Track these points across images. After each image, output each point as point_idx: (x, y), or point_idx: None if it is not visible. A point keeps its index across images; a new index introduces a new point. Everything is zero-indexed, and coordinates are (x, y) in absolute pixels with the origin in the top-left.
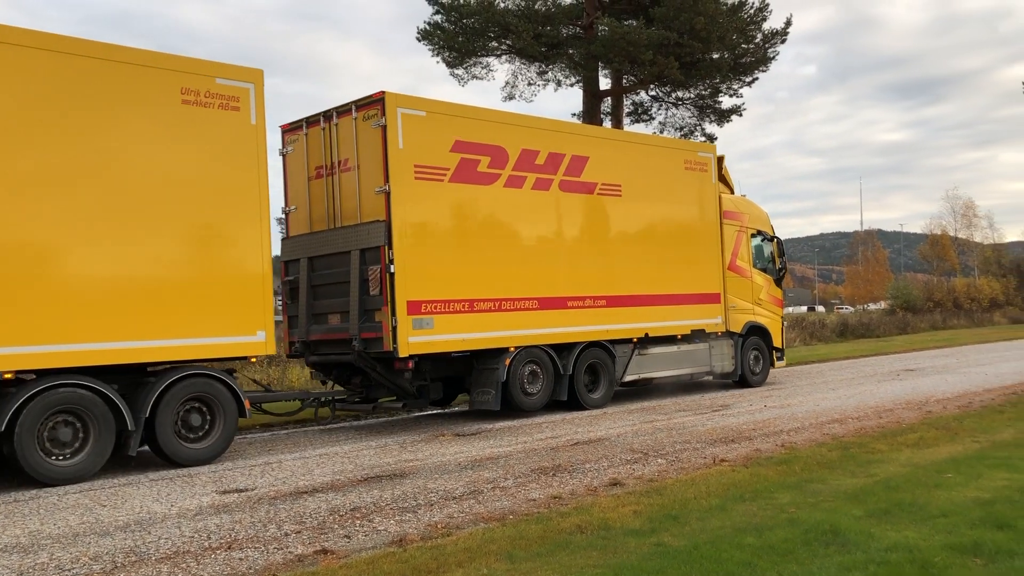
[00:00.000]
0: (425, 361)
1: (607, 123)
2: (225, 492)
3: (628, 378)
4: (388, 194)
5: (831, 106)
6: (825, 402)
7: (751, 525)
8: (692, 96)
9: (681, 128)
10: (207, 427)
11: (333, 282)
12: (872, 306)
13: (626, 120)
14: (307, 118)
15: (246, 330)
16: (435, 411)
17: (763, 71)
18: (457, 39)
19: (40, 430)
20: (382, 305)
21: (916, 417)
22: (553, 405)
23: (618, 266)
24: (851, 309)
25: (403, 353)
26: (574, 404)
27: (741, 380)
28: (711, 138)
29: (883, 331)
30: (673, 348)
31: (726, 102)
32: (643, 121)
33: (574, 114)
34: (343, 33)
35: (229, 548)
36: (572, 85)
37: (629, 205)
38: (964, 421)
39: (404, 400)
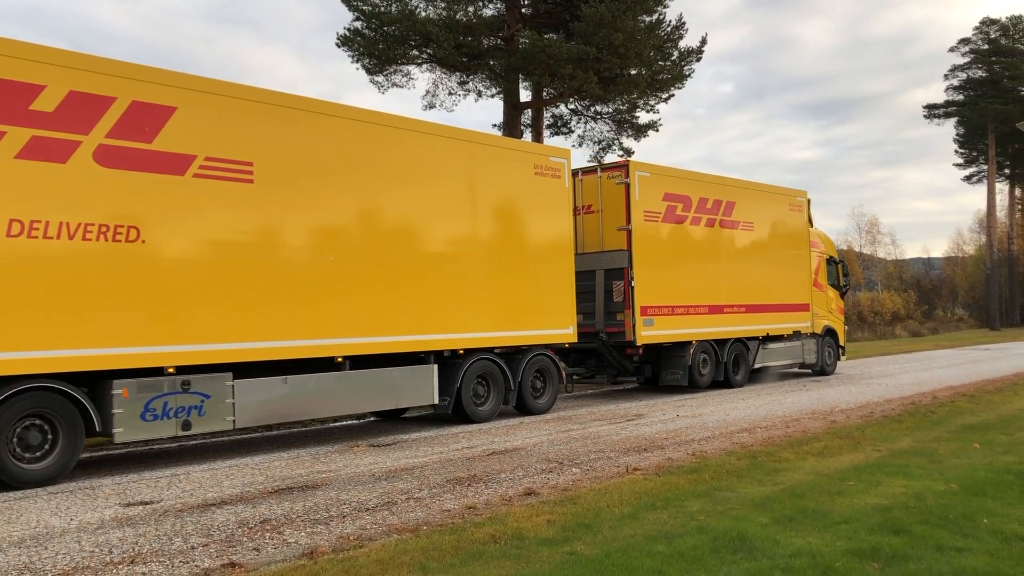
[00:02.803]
0: (645, 349)
1: (527, 135)
2: (129, 505)
3: (756, 365)
4: (629, 232)
5: (747, 124)
6: (735, 412)
7: (662, 533)
8: (610, 111)
9: (599, 142)
10: (543, 388)
11: (578, 292)
12: None
13: (546, 132)
14: None
15: (563, 324)
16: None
17: (679, 88)
18: (377, 46)
19: (470, 384)
20: (624, 309)
21: (821, 427)
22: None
23: (751, 282)
24: None
25: (639, 343)
26: (725, 384)
27: (820, 370)
28: (628, 152)
29: None
30: (782, 344)
31: (643, 117)
32: (562, 134)
33: (495, 125)
34: (263, 37)
35: (132, 563)
36: (493, 96)
37: (757, 237)
38: (866, 430)
39: (624, 377)
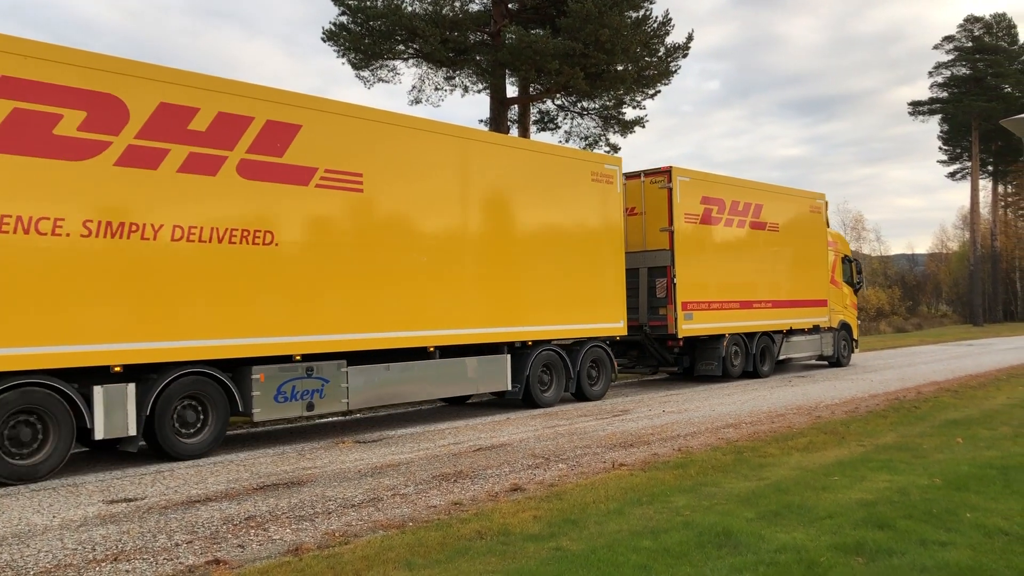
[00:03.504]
0: (683, 341)
1: (514, 131)
2: (112, 502)
3: (780, 357)
4: (672, 232)
5: (733, 121)
6: (721, 407)
7: (647, 528)
8: (597, 107)
9: (586, 138)
10: (598, 377)
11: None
12: None
13: (533, 128)
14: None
15: (615, 319)
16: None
17: (665, 84)
18: (363, 41)
19: (537, 372)
20: (667, 304)
21: (806, 422)
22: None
23: (777, 280)
24: None
25: (680, 335)
26: (753, 375)
27: (836, 362)
28: (615, 148)
29: None
30: (803, 337)
31: (630, 113)
32: (549, 130)
33: (481, 120)
34: (250, 31)
35: (115, 560)
36: (479, 92)
37: (782, 237)
38: (851, 426)
39: (664, 367)
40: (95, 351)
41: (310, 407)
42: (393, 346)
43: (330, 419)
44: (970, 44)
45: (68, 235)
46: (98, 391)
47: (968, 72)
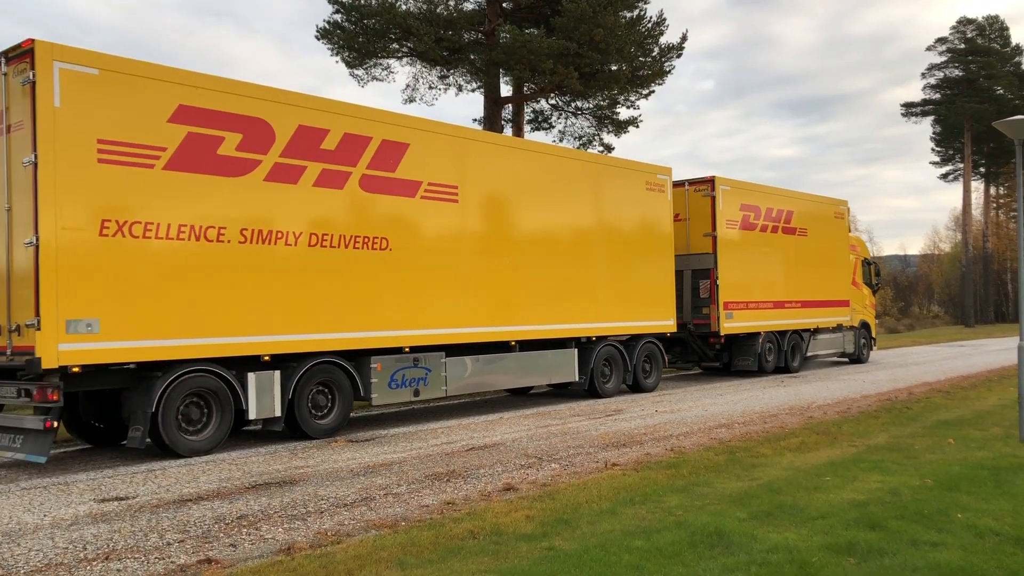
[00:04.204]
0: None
1: (507, 130)
2: (104, 500)
3: (809, 354)
4: (715, 237)
5: (727, 121)
6: (713, 407)
7: (640, 528)
8: (591, 106)
9: (580, 137)
10: (651, 370)
11: None
12: None
13: (527, 128)
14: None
15: (666, 317)
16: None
17: (659, 84)
18: (357, 39)
19: (599, 365)
20: (710, 304)
21: (798, 422)
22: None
23: (805, 281)
24: None
25: (722, 333)
26: (784, 370)
27: (857, 358)
28: (609, 148)
29: None
30: (828, 335)
31: (624, 113)
32: (543, 129)
33: (475, 119)
34: (244, 29)
35: (107, 559)
36: (473, 91)
37: (810, 241)
38: (843, 426)
39: (706, 362)
40: (250, 342)
41: (416, 393)
42: (482, 340)
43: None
44: (963, 46)
45: (228, 241)
46: (251, 377)
47: (961, 74)
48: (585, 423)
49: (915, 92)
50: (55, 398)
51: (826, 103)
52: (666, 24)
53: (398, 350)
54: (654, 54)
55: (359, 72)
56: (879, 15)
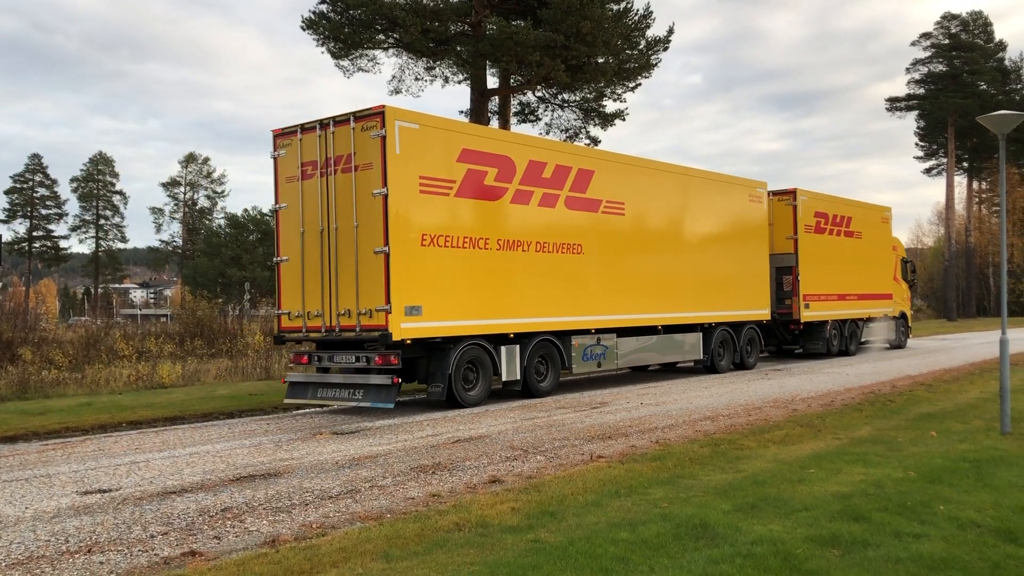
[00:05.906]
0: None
1: (494, 122)
2: (87, 493)
3: (863, 339)
4: (796, 240)
5: (714, 115)
6: (698, 400)
7: (625, 520)
8: (578, 99)
9: (567, 130)
10: (751, 351)
11: None
12: None
13: (513, 120)
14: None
15: (763, 307)
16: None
17: (646, 77)
18: (343, 30)
19: (716, 347)
20: (792, 296)
21: (783, 415)
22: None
23: (861, 278)
24: None
25: (802, 320)
26: (845, 353)
27: (897, 345)
28: (595, 141)
29: None
30: (877, 324)
31: (610, 106)
32: (529, 121)
33: (462, 111)
34: (230, 19)
35: (89, 551)
36: (460, 82)
37: (863, 242)
38: (826, 419)
39: (787, 345)
40: (502, 323)
41: (599, 365)
42: (639, 324)
43: (306, 411)
44: (947, 41)
45: (490, 249)
46: (503, 349)
47: (945, 69)
48: (570, 416)
49: (900, 87)
50: (396, 362)
51: (812, 98)
52: (653, 17)
53: (587, 331)
54: (640, 47)
55: (344, 63)
56: (865, 10)
